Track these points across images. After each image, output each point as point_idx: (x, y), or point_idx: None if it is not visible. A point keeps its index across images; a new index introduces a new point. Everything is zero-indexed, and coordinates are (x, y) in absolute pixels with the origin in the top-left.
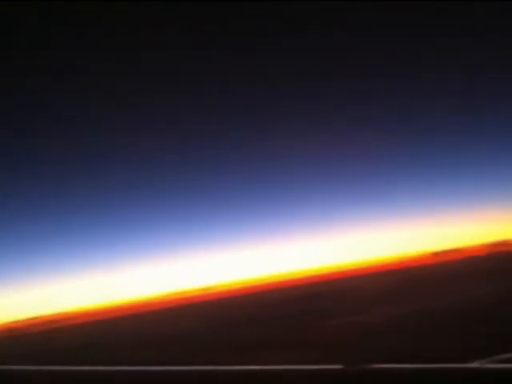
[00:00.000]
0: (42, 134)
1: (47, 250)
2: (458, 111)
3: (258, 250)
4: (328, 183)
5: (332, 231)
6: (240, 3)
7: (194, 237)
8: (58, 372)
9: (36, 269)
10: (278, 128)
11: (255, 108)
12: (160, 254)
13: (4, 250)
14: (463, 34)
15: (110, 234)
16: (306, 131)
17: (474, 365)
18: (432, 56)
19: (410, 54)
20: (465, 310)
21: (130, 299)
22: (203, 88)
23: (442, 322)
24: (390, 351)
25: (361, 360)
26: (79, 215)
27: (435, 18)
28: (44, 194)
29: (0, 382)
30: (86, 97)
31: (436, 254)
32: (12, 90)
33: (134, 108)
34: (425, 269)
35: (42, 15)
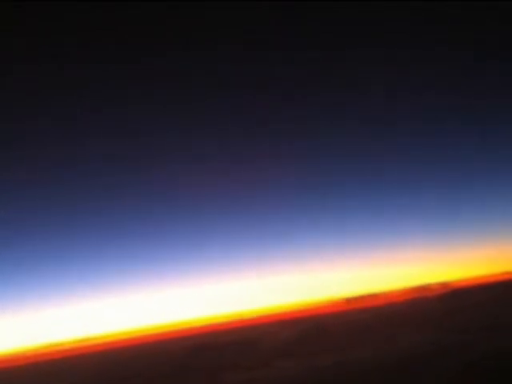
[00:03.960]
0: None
1: None
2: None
3: (145, 296)
4: (224, 224)
5: (232, 275)
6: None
7: (66, 285)
8: None
9: None
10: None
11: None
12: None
13: None
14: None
15: None
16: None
17: None
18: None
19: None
20: (377, 365)
21: None
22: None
23: (351, 378)
24: None
25: None
26: None
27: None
28: None
29: None
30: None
31: (348, 301)
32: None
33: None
34: (336, 317)
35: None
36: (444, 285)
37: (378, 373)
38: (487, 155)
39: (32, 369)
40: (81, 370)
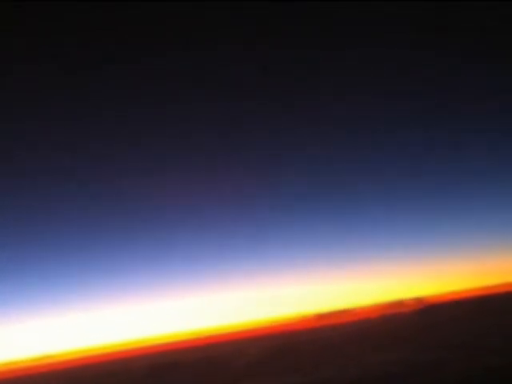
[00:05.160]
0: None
1: None
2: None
3: (107, 313)
4: (188, 238)
5: (198, 290)
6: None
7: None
8: None
9: None
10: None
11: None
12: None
13: None
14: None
15: None
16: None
17: None
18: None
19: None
20: None
21: None
22: None
23: None
24: None
25: None
26: None
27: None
28: None
29: None
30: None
31: (320, 317)
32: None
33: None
34: (306, 334)
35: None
36: (418, 300)
37: None
38: (463, 169)
39: None
40: None
